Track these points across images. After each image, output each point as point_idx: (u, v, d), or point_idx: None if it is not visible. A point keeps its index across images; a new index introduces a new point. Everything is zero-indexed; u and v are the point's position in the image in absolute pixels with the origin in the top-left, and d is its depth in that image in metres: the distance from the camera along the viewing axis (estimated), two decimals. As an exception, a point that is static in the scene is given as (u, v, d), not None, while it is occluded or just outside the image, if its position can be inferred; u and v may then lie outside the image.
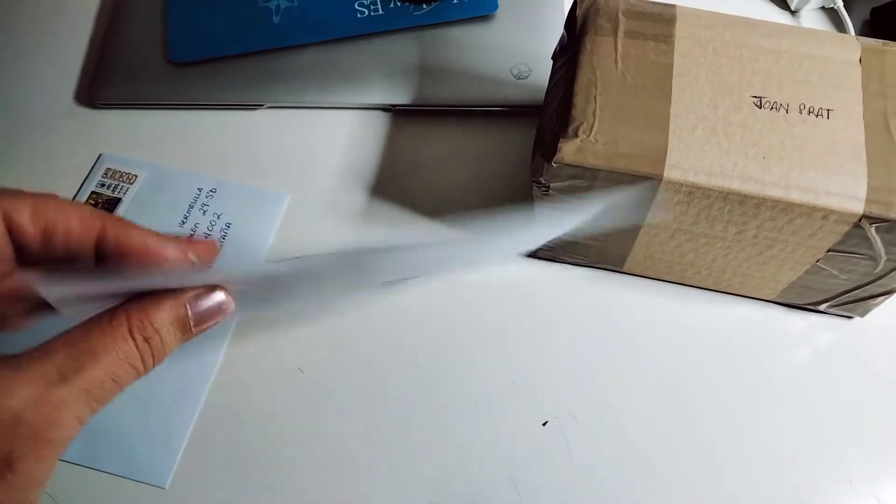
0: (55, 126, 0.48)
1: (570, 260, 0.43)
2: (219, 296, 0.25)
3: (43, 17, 0.53)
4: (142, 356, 0.23)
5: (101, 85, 0.49)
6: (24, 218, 0.23)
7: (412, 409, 0.39)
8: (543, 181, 0.35)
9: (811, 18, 0.53)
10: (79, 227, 0.24)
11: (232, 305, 0.25)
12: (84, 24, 0.53)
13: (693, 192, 0.33)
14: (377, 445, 0.38)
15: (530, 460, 0.38)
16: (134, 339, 0.23)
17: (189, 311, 0.24)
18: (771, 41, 0.36)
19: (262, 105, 0.48)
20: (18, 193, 0.23)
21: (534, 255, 0.43)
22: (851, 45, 0.35)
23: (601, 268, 0.43)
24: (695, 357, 0.41)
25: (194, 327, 0.24)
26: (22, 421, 0.20)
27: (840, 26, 0.51)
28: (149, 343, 0.23)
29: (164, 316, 0.24)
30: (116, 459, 0.37)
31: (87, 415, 0.22)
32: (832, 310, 0.41)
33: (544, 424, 0.39)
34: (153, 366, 0.24)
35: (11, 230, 0.23)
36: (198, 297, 0.24)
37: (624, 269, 0.43)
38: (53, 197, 0.24)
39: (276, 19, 0.50)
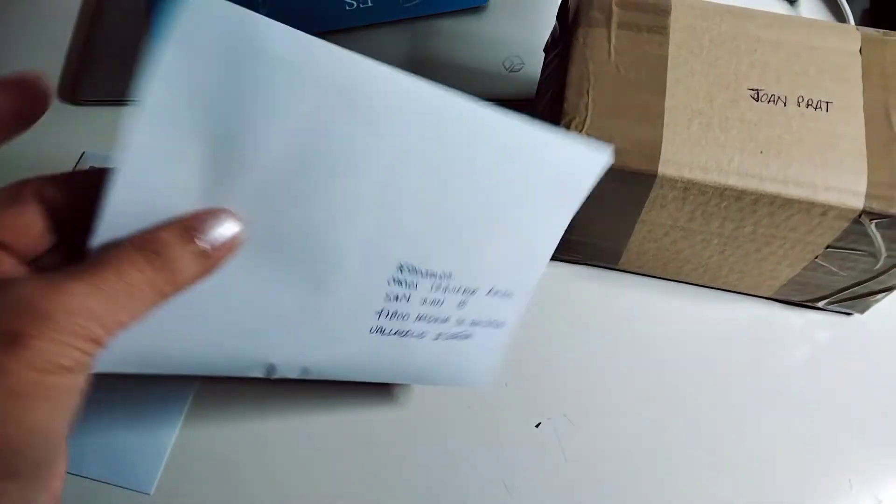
0: (37, 123, 0.47)
1: (563, 257, 0.42)
2: (226, 214, 0.23)
3: (26, 12, 0.52)
4: (155, 270, 0.22)
5: (85, 81, 0.48)
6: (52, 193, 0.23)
7: (403, 411, 0.38)
8: (535, 178, 0.34)
9: (809, 7, 0.52)
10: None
11: (239, 223, 0.23)
12: (67, 19, 0.52)
13: (689, 189, 0.32)
14: (367, 448, 0.37)
15: (523, 463, 0.37)
16: (143, 253, 0.21)
17: (195, 224, 0.22)
18: (769, 32, 0.35)
19: (248, 100, 0.47)
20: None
21: (527, 252, 0.42)
22: (851, 36, 0.34)
23: (595, 265, 0.42)
24: (691, 355, 0.40)
25: (201, 240, 0.22)
26: (31, 304, 0.19)
27: (839, 16, 0.50)
28: (160, 257, 0.22)
29: (170, 231, 0.22)
30: (102, 465, 0.37)
31: (103, 311, 0.20)
32: (831, 307, 0.40)
33: (537, 426, 0.38)
34: (173, 285, 0.22)
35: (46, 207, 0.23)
36: (201, 216, 0.23)
37: (618, 267, 0.42)
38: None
39: (261, 12, 0.49)
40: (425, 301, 0.30)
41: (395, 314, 0.30)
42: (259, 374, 0.28)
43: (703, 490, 0.37)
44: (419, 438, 0.38)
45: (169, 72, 0.20)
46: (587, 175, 0.30)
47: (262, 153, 0.23)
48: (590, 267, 0.43)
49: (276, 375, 0.29)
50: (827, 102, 0.33)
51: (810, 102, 0.33)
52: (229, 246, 0.23)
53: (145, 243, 0.22)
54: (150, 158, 0.21)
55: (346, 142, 0.24)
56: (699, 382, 0.39)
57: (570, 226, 0.38)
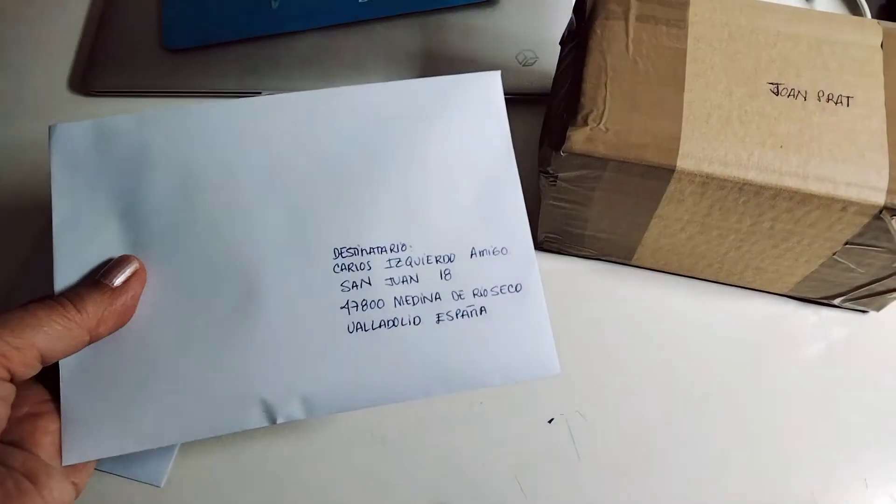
0: (48, 113, 0.47)
1: (577, 252, 0.42)
2: (122, 257, 0.28)
3: (37, 3, 0.52)
4: (63, 307, 0.26)
5: (95, 72, 0.47)
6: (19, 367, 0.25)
7: (417, 406, 0.38)
8: (551, 171, 0.34)
9: (825, 2, 0.51)
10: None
11: (136, 259, 0.28)
12: (78, 10, 0.52)
13: (707, 183, 0.32)
14: (381, 443, 0.37)
15: (536, 458, 0.37)
16: (53, 298, 0.26)
17: (99, 272, 0.28)
18: (788, 26, 0.34)
19: (259, 93, 0.47)
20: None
21: (539, 247, 0.42)
22: (872, 30, 0.34)
23: (609, 260, 0.42)
24: (705, 352, 0.40)
25: (105, 279, 0.27)
26: None
27: (855, 10, 0.50)
28: (69, 299, 0.26)
29: (81, 282, 0.28)
30: (115, 459, 0.36)
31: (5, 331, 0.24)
32: (847, 304, 0.40)
33: (550, 422, 0.38)
34: (85, 317, 0.26)
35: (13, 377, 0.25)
36: (104, 264, 0.28)
37: (633, 262, 0.41)
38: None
39: (274, 4, 0.49)
40: (393, 281, 0.29)
41: (364, 303, 0.28)
42: (260, 419, 0.28)
43: (717, 488, 0.37)
44: (431, 434, 0.38)
45: (59, 186, 0.29)
46: (491, 96, 0.31)
47: (152, 206, 0.29)
48: (603, 262, 0.42)
49: (281, 418, 0.28)
50: (848, 97, 0.32)
51: (831, 97, 0.32)
52: (132, 278, 0.28)
53: (61, 294, 0.27)
54: (74, 244, 0.28)
55: (207, 166, 0.29)
56: (713, 379, 0.39)
57: (584, 220, 0.38)
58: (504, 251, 0.30)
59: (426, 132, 0.30)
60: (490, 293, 0.29)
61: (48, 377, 0.27)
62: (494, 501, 0.36)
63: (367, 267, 0.29)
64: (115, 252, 0.29)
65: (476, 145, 0.30)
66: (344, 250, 0.29)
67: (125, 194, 0.29)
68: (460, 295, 0.29)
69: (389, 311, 0.29)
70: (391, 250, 0.29)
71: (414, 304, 0.29)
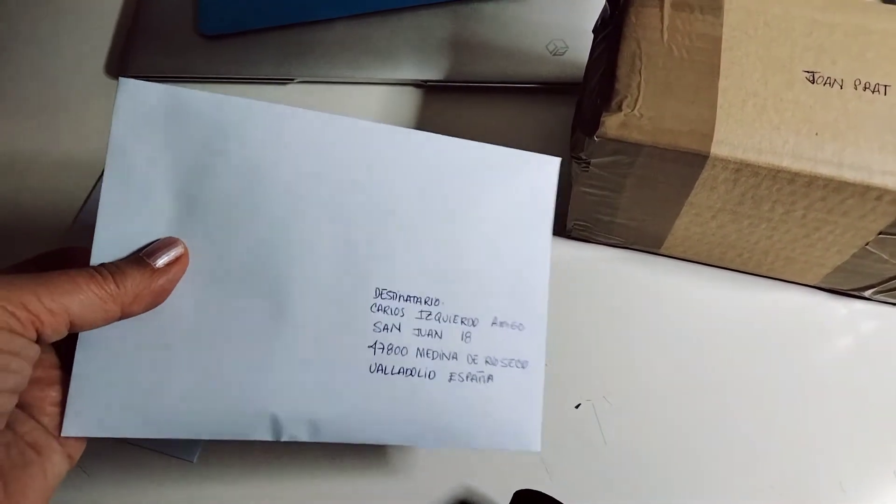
0: (85, 97, 0.48)
1: (605, 240, 0.42)
2: (168, 239, 0.28)
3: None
4: (103, 278, 0.25)
5: (131, 57, 0.48)
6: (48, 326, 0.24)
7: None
8: (584, 157, 0.34)
9: (858, -4, 0.51)
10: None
11: (182, 244, 0.28)
12: (114, -3, 0.52)
13: (741, 170, 0.32)
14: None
15: (562, 443, 0.37)
16: (96, 268, 0.26)
17: (145, 251, 0.27)
18: (824, 14, 0.34)
19: (292, 79, 0.48)
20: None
21: (568, 235, 0.42)
22: (910, 19, 0.34)
23: (637, 249, 0.42)
24: (732, 343, 0.40)
25: (149, 258, 0.27)
26: None
27: None
28: (109, 271, 0.26)
29: (125, 258, 0.27)
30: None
31: (40, 290, 0.24)
32: (878, 296, 0.40)
33: (577, 407, 0.38)
34: (124, 291, 0.26)
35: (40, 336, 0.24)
36: (151, 244, 0.28)
37: (661, 251, 0.42)
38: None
39: (306, -7, 0.49)
40: (420, 332, 0.30)
41: (390, 347, 0.29)
42: (265, 434, 0.28)
43: (743, 478, 0.37)
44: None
45: (118, 145, 0.27)
46: (546, 179, 0.32)
47: (211, 196, 0.28)
48: (631, 251, 0.42)
49: (285, 436, 0.28)
50: (885, 86, 0.32)
51: (868, 86, 0.32)
52: (174, 263, 0.27)
53: (102, 266, 0.26)
54: (121, 210, 0.27)
55: (276, 172, 0.28)
56: (739, 369, 0.39)
57: (614, 207, 0.38)
58: (521, 327, 0.31)
59: (482, 198, 0.31)
60: (500, 363, 0.31)
61: (61, 344, 0.26)
62: (520, 484, 0.36)
63: (401, 313, 0.29)
64: (161, 231, 0.28)
65: (522, 221, 0.31)
66: (385, 292, 0.29)
67: (186, 175, 0.28)
68: (474, 359, 0.30)
69: (410, 361, 0.29)
70: (425, 302, 0.30)
71: (433, 359, 0.30)
